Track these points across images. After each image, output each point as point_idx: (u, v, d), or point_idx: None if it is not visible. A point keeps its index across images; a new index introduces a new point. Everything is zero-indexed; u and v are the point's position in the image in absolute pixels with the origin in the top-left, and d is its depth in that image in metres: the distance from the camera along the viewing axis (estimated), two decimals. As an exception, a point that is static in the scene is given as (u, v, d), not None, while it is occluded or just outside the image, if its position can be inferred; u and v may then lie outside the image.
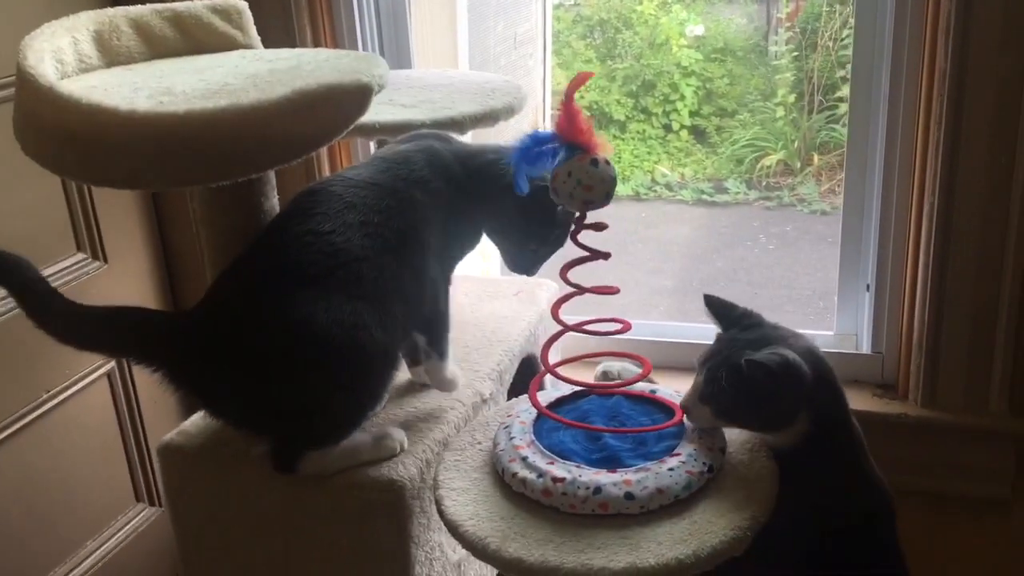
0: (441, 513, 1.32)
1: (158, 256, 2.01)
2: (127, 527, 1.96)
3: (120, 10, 1.45)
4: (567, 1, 6.89)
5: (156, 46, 1.48)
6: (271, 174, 1.40)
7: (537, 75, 3.35)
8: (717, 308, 1.45)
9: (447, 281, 1.52)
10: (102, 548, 1.92)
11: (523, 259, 1.55)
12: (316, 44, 1.97)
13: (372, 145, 1.99)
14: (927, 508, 1.93)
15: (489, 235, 1.55)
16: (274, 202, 1.42)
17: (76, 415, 1.86)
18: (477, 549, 1.25)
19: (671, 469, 1.29)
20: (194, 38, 1.51)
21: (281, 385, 1.31)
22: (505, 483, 1.34)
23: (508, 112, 1.69)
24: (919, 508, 1.93)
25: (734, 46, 6.51)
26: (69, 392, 1.84)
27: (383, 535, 1.39)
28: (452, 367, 1.54)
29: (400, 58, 2.09)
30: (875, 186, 1.87)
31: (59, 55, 1.33)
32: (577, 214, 1.41)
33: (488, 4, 2.93)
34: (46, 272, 1.75)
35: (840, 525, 1.38)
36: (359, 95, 1.21)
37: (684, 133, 6.57)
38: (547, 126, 3.73)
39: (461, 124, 1.63)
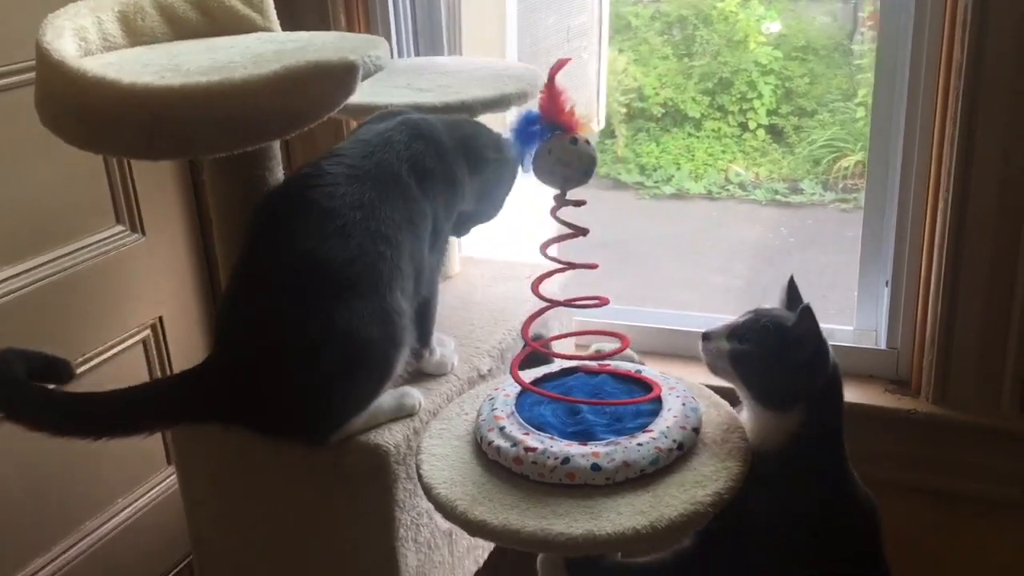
0: (419, 477, 1.38)
1: (195, 229, 2.10)
2: (157, 487, 2.05)
3: (145, -8, 1.54)
4: (646, -4, 6.86)
5: (180, 27, 1.57)
6: (276, 149, 1.47)
7: (592, 67, 3.38)
8: (792, 291, 1.47)
9: (440, 268, 1.58)
10: (132, 506, 2.02)
11: (467, 228, 1.66)
12: (350, 30, 2.05)
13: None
14: (937, 506, 1.92)
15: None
16: (278, 175, 1.49)
17: (111, 379, 1.93)
18: (446, 510, 1.31)
19: (640, 444, 1.33)
20: (216, 20, 1.59)
21: (315, 395, 1.39)
22: (483, 451, 1.39)
23: (520, 97, 1.73)
24: (929, 506, 1.93)
25: (816, 45, 6.42)
26: (104, 356, 1.94)
27: (368, 498, 1.45)
28: (440, 351, 1.60)
29: (434, 44, 2.15)
30: (895, 183, 1.86)
31: (82, 33, 1.43)
32: (556, 192, 1.46)
33: (539, -4, 2.97)
34: (83, 244, 1.88)
35: (822, 535, 1.37)
36: (344, 73, 1.27)
37: (761, 132, 6.50)
38: (600, 119, 3.75)
39: (472, 108, 1.69)
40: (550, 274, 1.51)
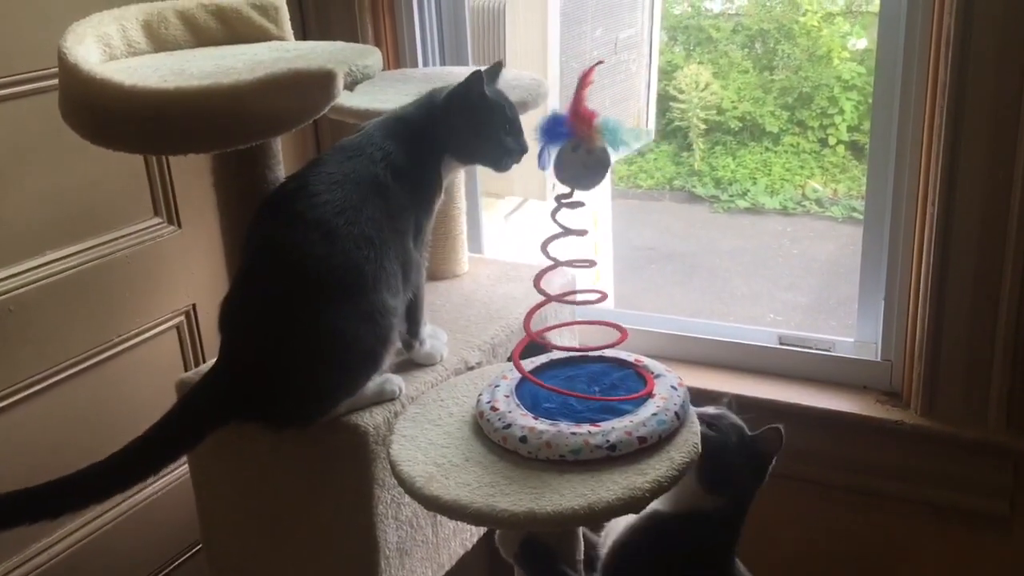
0: (388, 455, 1.48)
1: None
2: (186, 465, 2.19)
3: (169, 3, 1.68)
4: (729, 10, 6.89)
5: (201, 35, 1.71)
6: (277, 148, 1.60)
7: (641, 79, 3.44)
8: None
9: (424, 263, 1.67)
10: (164, 479, 2.17)
11: (503, 155, 1.66)
12: (377, 42, 2.17)
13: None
14: (925, 518, 1.95)
15: (462, 159, 1.69)
16: (278, 173, 1.61)
17: (144, 360, 2.10)
18: (406, 486, 1.41)
19: (574, 433, 1.41)
20: (234, 29, 1.72)
21: (307, 388, 1.51)
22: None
23: (520, 106, 1.82)
24: (918, 517, 1.96)
25: (903, 62, 6.35)
26: (140, 339, 2.08)
27: (349, 475, 1.56)
28: (431, 343, 1.70)
29: (459, 55, 2.26)
30: (888, 197, 1.90)
31: (106, 40, 1.57)
32: (558, 188, 1.56)
33: (585, 10, 3.06)
34: (123, 233, 2.04)
35: None
36: (323, 80, 1.38)
37: (841, 148, 6.44)
38: (650, 130, 3.81)
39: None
40: (546, 270, 1.59)
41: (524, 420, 1.44)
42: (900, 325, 1.92)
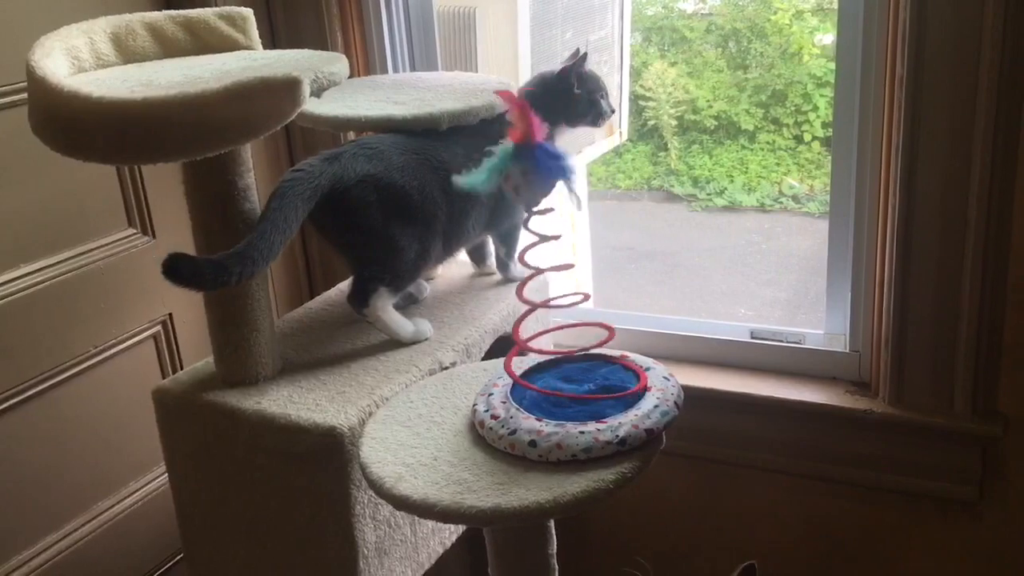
0: (359, 456, 1.50)
1: (202, 233, 2.26)
2: (143, 490, 2.19)
3: (137, 15, 1.70)
4: (702, 10, 6.92)
5: (169, 47, 1.73)
6: (246, 155, 1.61)
7: (614, 81, 3.47)
8: None
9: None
10: (145, 487, 2.19)
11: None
12: (346, 50, 2.19)
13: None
14: (896, 505, 1.98)
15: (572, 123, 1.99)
16: (248, 181, 1.62)
17: (122, 371, 2.11)
18: (375, 487, 1.43)
19: (582, 432, 1.41)
20: (202, 40, 1.74)
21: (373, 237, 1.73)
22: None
23: (488, 110, 1.84)
24: (889, 505, 1.99)
25: (874, 57, 6.40)
26: (116, 349, 2.10)
27: (326, 477, 1.58)
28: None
29: (429, 61, 2.28)
30: (851, 191, 1.93)
31: (75, 52, 1.59)
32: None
33: (555, 13, 3.09)
34: (98, 244, 2.05)
35: None
36: (289, 87, 1.40)
37: (816, 145, 6.48)
38: (624, 131, 3.84)
39: (439, 120, 1.81)
40: (528, 279, 1.61)
41: (528, 423, 1.45)
42: (867, 316, 1.95)
